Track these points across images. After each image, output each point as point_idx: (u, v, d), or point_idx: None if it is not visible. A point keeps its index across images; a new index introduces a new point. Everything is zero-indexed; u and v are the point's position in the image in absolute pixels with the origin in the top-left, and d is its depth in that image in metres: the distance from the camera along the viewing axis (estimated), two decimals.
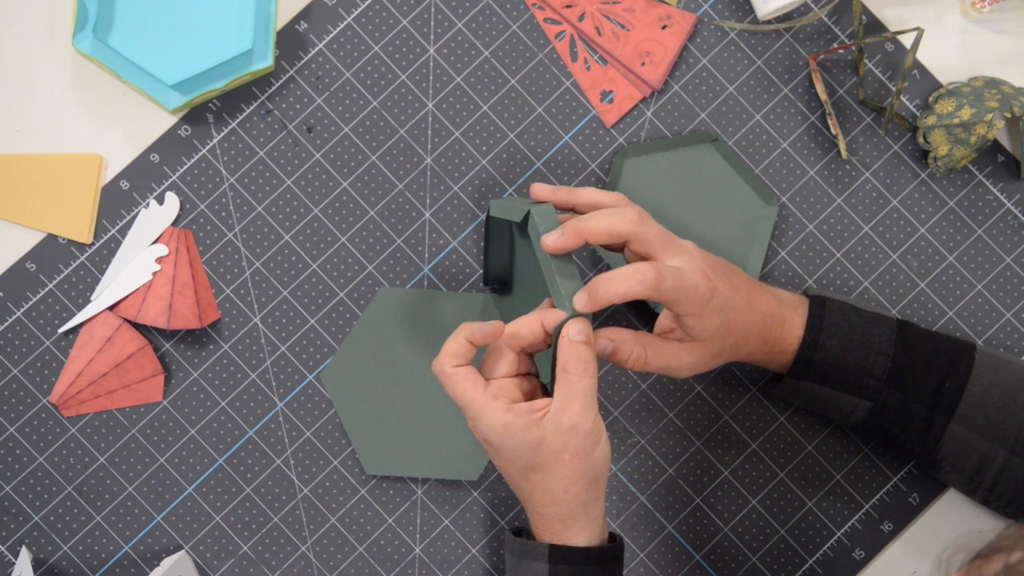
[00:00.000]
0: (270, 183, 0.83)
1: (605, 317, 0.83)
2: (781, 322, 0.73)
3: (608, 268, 0.83)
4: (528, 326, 0.66)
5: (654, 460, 0.83)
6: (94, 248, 0.82)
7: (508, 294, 0.82)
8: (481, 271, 0.83)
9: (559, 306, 0.66)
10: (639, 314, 0.83)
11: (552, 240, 0.66)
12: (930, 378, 0.74)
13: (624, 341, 0.68)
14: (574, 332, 0.65)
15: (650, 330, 0.72)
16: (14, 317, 0.82)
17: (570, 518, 0.66)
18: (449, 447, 0.82)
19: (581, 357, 0.65)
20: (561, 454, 0.65)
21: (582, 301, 0.65)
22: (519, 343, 0.67)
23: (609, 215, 0.67)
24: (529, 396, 0.67)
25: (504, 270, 0.81)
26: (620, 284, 0.65)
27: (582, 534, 0.67)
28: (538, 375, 0.70)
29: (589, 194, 0.70)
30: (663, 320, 0.72)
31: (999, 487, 0.75)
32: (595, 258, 0.83)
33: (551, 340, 0.67)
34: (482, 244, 0.82)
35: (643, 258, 0.68)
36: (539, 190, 0.71)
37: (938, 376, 0.74)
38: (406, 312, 0.82)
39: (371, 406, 0.82)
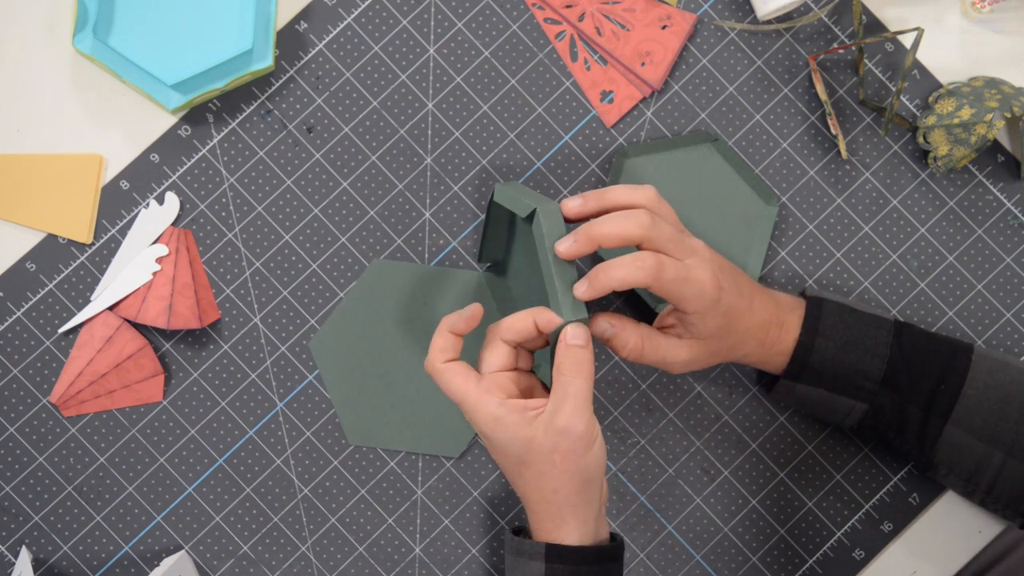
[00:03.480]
0: (270, 183, 0.83)
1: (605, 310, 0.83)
2: (779, 325, 0.73)
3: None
4: (521, 321, 0.67)
5: (654, 460, 0.83)
6: (94, 248, 0.82)
7: (502, 275, 0.82)
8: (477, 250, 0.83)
9: (555, 310, 0.66)
10: (640, 314, 0.83)
11: (565, 247, 0.66)
12: (926, 380, 0.74)
13: (623, 328, 0.69)
14: (571, 336, 0.66)
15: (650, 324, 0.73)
16: (14, 317, 0.82)
17: (559, 518, 0.67)
18: (433, 423, 0.82)
19: (576, 359, 0.65)
20: (551, 455, 0.65)
21: (581, 288, 0.66)
22: (512, 336, 0.67)
23: (623, 219, 0.66)
24: (527, 393, 0.68)
25: (500, 251, 0.81)
26: (619, 271, 0.65)
27: (573, 534, 0.67)
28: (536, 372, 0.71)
29: (619, 196, 0.69)
30: (665, 315, 0.72)
31: (996, 489, 0.75)
32: (595, 258, 0.83)
33: (547, 339, 0.67)
34: (482, 224, 0.82)
35: None
36: (570, 208, 0.69)
37: (934, 378, 0.74)
38: (399, 286, 0.82)
39: (358, 377, 0.82)
